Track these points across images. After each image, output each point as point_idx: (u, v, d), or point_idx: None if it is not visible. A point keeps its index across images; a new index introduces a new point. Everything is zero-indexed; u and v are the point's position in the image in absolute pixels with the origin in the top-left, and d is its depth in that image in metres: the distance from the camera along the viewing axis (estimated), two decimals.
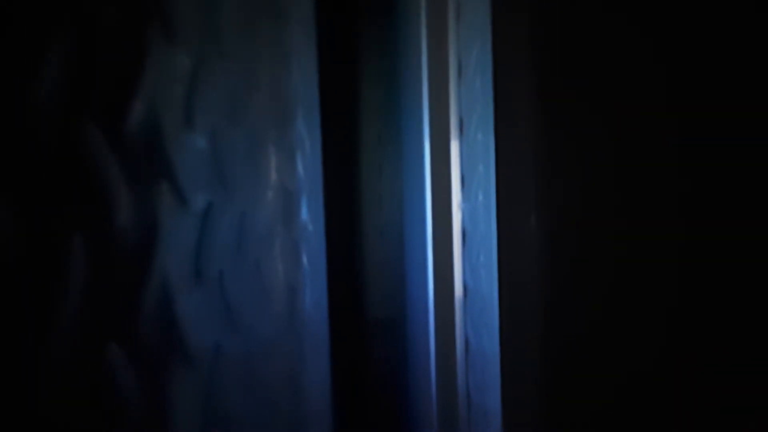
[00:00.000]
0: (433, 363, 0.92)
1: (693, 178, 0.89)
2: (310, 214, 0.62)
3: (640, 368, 0.91)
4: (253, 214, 0.53)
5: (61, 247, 0.37)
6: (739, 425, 0.88)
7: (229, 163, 0.50)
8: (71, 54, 0.38)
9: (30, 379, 0.36)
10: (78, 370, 0.37)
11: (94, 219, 0.39)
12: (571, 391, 0.93)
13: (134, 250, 0.41)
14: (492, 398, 0.95)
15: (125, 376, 0.40)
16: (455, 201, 0.91)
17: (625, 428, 0.91)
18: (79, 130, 0.38)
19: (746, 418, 0.88)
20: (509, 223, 0.93)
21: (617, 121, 0.89)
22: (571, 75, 0.89)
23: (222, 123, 0.49)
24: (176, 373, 0.43)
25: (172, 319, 0.43)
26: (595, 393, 0.92)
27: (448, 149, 0.89)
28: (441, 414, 0.93)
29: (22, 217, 0.36)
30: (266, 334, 0.56)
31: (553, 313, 0.94)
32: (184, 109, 0.44)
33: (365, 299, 0.93)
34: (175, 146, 0.43)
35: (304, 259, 0.63)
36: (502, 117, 0.90)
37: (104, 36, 0.40)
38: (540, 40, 0.88)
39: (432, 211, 0.89)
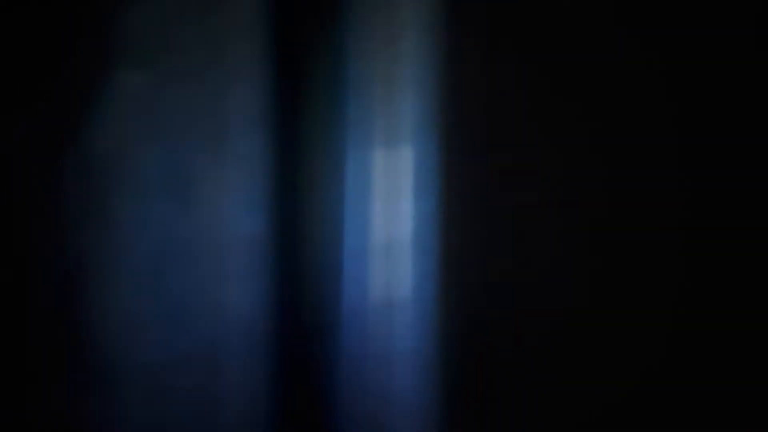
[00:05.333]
0: (365, 366, 0.94)
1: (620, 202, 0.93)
2: (253, 213, 0.64)
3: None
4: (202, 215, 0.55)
5: None
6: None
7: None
8: None
9: None
10: None
11: None
12: (496, 394, 0.97)
13: None
14: (424, 402, 0.97)
15: None
16: (398, 209, 0.93)
17: None
18: None
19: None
20: (451, 233, 0.95)
21: (562, 135, 0.93)
22: (518, 89, 0.92)
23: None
24: None
25: None
26: (521, 400, 0.96)
27: (393, 157, 0.91)
28: (368, 414, 0.95)
29: None
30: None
31: (490, 322, 0.97)
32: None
33: (304, 301, 0.94)
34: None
35: (245, 257, 0.65)
36: (446, 129, 0.92)
37: None
38: (487, 54, 0.91)
39: (373, 218, 0.91)
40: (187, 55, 0.53)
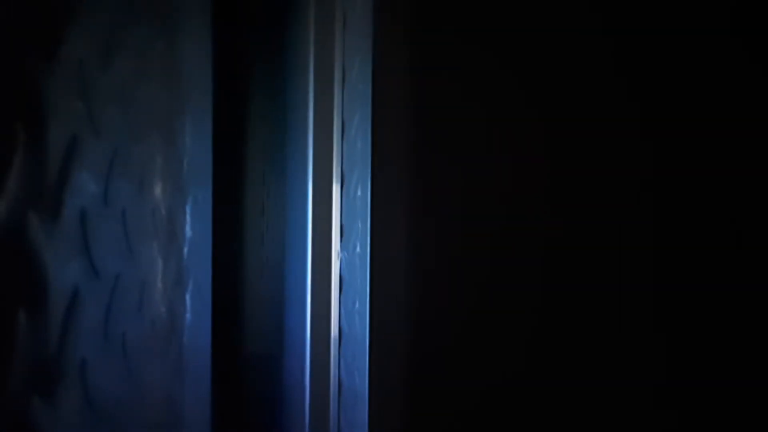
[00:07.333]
0: (308, 401, 0.99)
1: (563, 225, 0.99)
2: (197, 262, 0.70)
3: (497, 408, 1.00)
4: (150, 276, 0.61)
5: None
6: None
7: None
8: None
9: None
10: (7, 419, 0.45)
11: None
12: (433, 431, 1.01)
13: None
14: None
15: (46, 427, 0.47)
16: (334, 250, 1.00)
17: None
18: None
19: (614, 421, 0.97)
20: (382, 274, 1.02)
21: (486, 182, 1.00)
22: (443, 137, 1.00)
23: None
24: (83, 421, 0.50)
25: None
26: (456, 428, 1.00)
27: (329, 201, 0.98)
28: None
29: None
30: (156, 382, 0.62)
31: (419, 359, 1.03)
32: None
33: (245, 338, 0.99)
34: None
35: (189, 303, 0.70)
36: (379, 176, 1.00)
37: None
38: (416, 106, 0.99)
39: (312, 258, 0.98)
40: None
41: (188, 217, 0.69)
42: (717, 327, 0.94)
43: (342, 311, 1.01)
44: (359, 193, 1.00)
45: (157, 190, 0.62)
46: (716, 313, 0.94)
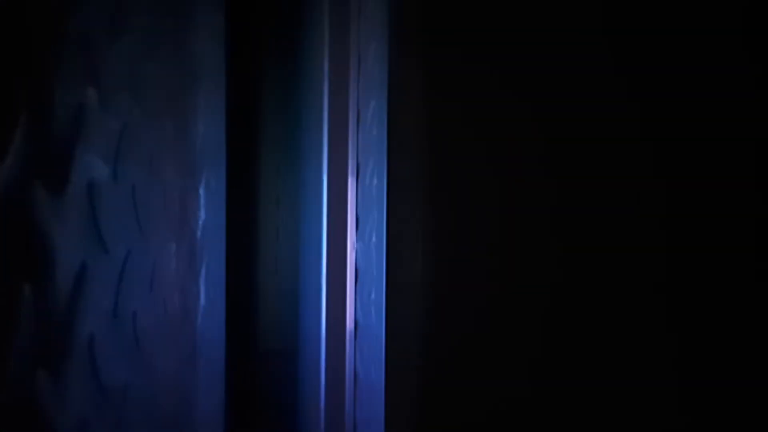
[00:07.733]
0: (323, 393, 0.98)
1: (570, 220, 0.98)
2: (210, 247, 0.69)
3: (511, 399, 0.99)
4: (162, 257, 0.61)
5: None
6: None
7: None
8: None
9: None
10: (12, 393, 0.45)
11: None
12: (448, 423, 1.00)
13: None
14: (376, 429, 1.00)
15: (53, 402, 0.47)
16: (350, 240, 0.99)
17: None
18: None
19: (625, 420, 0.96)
20: (398, 265, 1.01)
21: (501, 170, 0.99)
22: (459, 128, 0.99)
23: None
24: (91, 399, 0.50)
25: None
26: (470, 422, 0.99)
27: (345, 190, 0.97)
28: None
29: None
30: (168, 366, 0.61)
31: (436, 350, 1.01)
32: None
33: (260, 329, 0.98)
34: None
35: (203, 288, 0.69)
36: (395, 165, 0.99)
37: None
38: (431, 95, 0.98)
39: (327, 248, 0.96)
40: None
41: (201, 201, 0.68)
42: (722, 328, 0.93)
43: (357, 302, 1.00)
44: (375, 182, 0.99)
45: (168, 169, 0.61)
46: (720, 314, 0.93)
